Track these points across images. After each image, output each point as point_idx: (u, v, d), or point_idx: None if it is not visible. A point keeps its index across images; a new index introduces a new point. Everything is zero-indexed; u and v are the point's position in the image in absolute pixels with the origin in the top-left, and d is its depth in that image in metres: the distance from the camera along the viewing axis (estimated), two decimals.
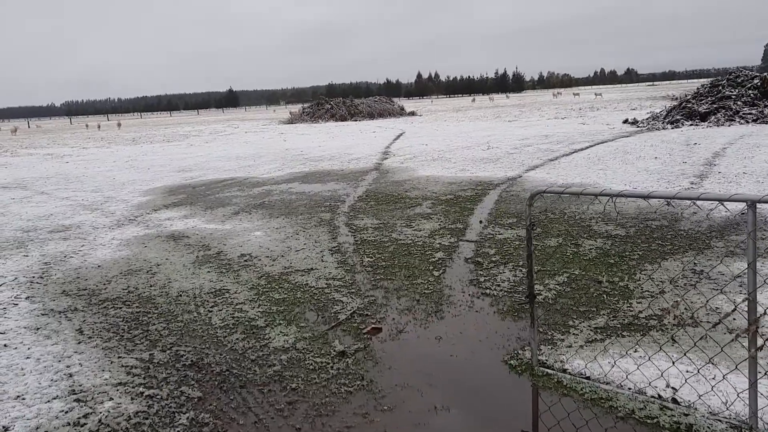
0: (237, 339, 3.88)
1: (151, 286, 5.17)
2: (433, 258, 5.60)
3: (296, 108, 52.32)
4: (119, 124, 53.88)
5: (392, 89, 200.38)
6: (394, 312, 4.25)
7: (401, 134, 23.12)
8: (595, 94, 63.81)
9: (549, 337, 3.63)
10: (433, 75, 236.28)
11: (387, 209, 8.18)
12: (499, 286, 4.68)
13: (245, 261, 5.85)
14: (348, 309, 4.34)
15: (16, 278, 5.55)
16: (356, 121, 38.15)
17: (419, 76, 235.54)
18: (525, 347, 3.52)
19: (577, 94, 74.36)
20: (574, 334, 3.66)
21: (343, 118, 39.43)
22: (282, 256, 5.98)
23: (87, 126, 58.01)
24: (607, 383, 2.98)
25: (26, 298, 4.92)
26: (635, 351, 3.32)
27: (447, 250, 5.87)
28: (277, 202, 9.30)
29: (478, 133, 20.78)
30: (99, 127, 53.14)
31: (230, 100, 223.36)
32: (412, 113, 43.45)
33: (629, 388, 2.92)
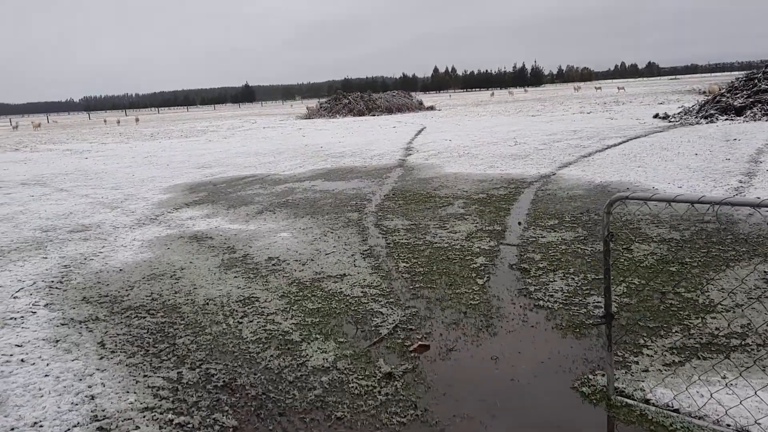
0: (271, 356, 3.55)
1: (176, 292, 4.86)
2: (474, 264, 5.23)
3: (313, 103, 52.02)
4: (137, 120, 53.97)
5: (409, 83, 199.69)
6: (441, 326, 3.90)
7: (422, 129, 22.71)
8: (618, 88, 62.80)
9: (620, 358, 3.25)
10: (450, 69, 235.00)
11: (417, 209, 7.82)
12: (552, 297, 4.31)
13: (273, 265, 5.52)
14: (389, 322, 3.99)
15: (34, 283, 5.27)
16: (374, 116, 37.77)
17: (436, 70, 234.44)
18: (595, 371, 3.14)
19: (599, 88, 73.22)
20: (648, 355, 3.28)
21: (361, 113, 39.06)
22: (312, 260, 5.64)
23: (105, 122, 58.24)
24: (700, 418, 2.60)
25: (45, 306, 4.63)
26: (723, 377, 2.94)
27: (488, 254, 5.50)
28: (301, 201, 8.97)
29: (503, 128, 20.32)
30: (118, 122, 53.29)
31: (246, 95, 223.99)
32: (431, 108, 42.97)
33: (728, 425, 2.54)
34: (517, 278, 4.79)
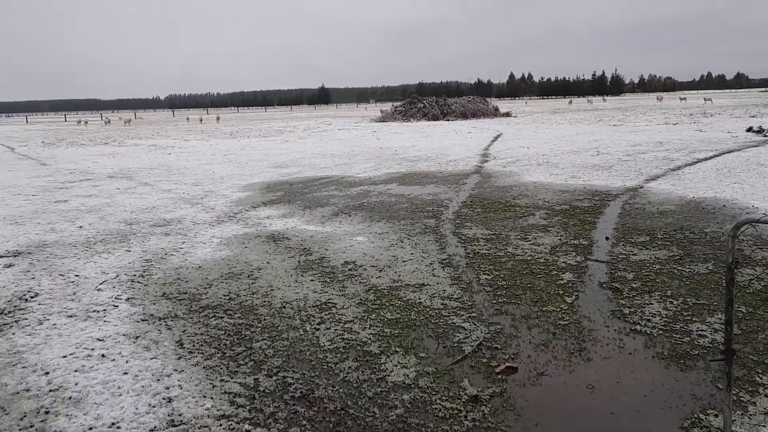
0: (350, 368, 3.41)
1: (253, 293, 4.81)
2: (561, 280, 4.94)
3: (387, 106, 52.21)
4: (218, 118, 55.68)
5: (483, 89, 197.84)
6: (528, 347, 3.65)
7: (499, 136, 22.28)
8: (705, 99, 60.00)
9: (734, 397, 2.92)
10: (526, 75, 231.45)
11: (496, 218, 7.56)
12: (649, 321, 3.98)
13: (350, 270, 5.40)
14: (472, 338, 3.77)
15: (117, 275, 5.35)
16: (449, 120, 37.46)
17: (512, 76, 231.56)
18: (707, 410, 2.83)
19: (684, 99, 70.20)
20: (767, 395, 2.94)
21: (435, 118, 38.84)
22: (389, 266, 5.49)
23: (188, 119, 60.40)
24: None
25: (126, 300, 4.67)
26: None
27: (575, 270, 5.19)
28: (376, 205, 8.86)
29: (583, 137, 19.65)
30: (201, 120, 55.14)
31: (322, 96, 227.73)
32: (507, 114, 42.25)
33: None
34: (608, 298, 4.48)
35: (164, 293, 4.85)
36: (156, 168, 14.97)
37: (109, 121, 57.55)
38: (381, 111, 47.38)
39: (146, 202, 9.54)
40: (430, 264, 5.54)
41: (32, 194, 10.66)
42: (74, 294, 4.82)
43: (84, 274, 5.42)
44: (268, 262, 5.74)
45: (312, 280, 5.13)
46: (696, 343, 3.61)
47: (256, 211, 8.64)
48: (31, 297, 4.73)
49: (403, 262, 5.65)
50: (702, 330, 3.78)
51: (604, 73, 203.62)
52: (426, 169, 12.93)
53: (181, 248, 6.40)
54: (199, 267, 5.63)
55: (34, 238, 6.96)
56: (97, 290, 4.89)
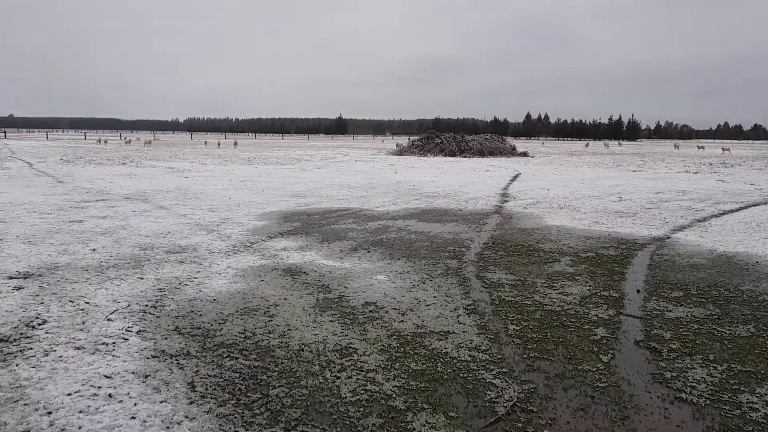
0: (374, 425, 3.15)
1: (269, 332, 4.58)
2: (594, 335, 4.67)
3: (403, 139, 52.43)
4: (235, 143, 56.05)
5: (499, 127, 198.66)
6: (566, 411, 3.38)
7: (517, 175, 22.11)
8: (723, 149, 59.76)
9: None
10: (542, 116, 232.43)
11: (520, 262, 7.31)
12: (694, 389, 3.70)
13: (371, 312, 5.16)
14: (505, 398, 3.51)
15: (129, 305, 5.14)
16: (466, 157, 37.43)
17: (528, 116, 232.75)
18: None
19: (702, 147, 69.95)
20: None
21: (452, 154, 38.84)
22: (411, 310, 5.25)
23: (206, 143, 60.82)
24: None
25: (137, 333, 4.46)
26: None
27: (608, 325, 4.92)
28: (396, 241, 8.64)
29: (603, 182, 19.42)
30: (219, 144, 55.51)
31: (339, 126, 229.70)
32: (524, 154, 42.19)
33: None
34: (647, 359, 4.20)
35: (177, 327, 4.63)
36: (172, 191, 14.88)
37: (130, 141, 57.97)
38: (397, 144, 47.56)
39: (161, 227, 9.39)
40: (455, 310, 5.29)
41: (47, 212, 10.56)
42: (83, 323, 4.62)
43: (95, 301, 5.22)
44: (285, 298, 5.52)
45: (331, 321, 4.89)
46: (748, 417, 3.33)
47: (272, 241, 8.45)
48: (39, 324, 4.53)
49: (427, 305, 5.41)
50: (752, 402, 3.50)
51: (620, 117, 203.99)
52: (445, 206, 12.73)
53: (196, 278, 6.19)
54: (214, 300, 5.41)
55: (45, 260, 6.79)
56: (108, 320, 4.68)
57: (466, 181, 19.14)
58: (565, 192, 15.94)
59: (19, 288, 5.52)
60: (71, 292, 5.49)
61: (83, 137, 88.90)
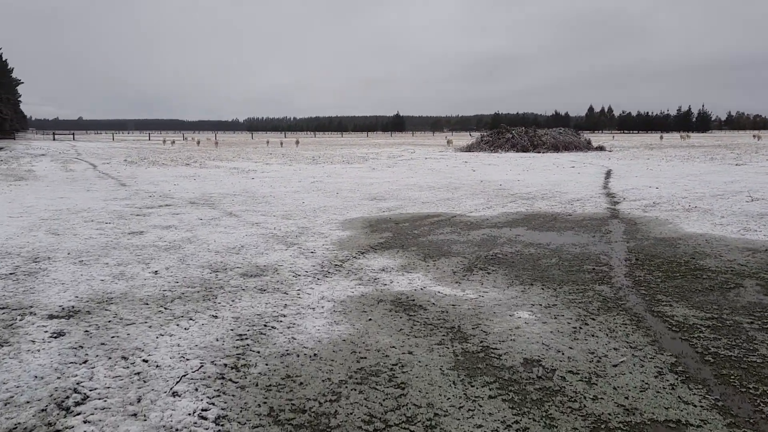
0: None
1: (407, 419, 3.05)
2: None
3: (462, 135, 50.53)
4: (297, 142, 55.34)
5: (561, 121, 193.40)
6: None
7: (609, 172, 20.04)
8: None
9: None
10: (606, 109, 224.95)
11: (693, 288, 5.58)
12: None
13: (540, 379, 3.57)
14: None
15: (202, 365, 3.71)
16: (540, 152, 35.28)
17: (591, 109, 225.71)
18: None
19: None
20: None
21: (525, 149, 36.75)
22: (597, 375, 3.63)
23: (268, 143, 60.32)
24: None
25: (215, 421, 3.00)
26: None
27: None
28: (514, 257, 7.02)
29: (714, 178, 17.18)
30: (281, 144, 54.90)
31: (396, 124, 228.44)
32: (601, 148, 39.63)
33: None
34: None
35: (271, 408, 3.15)
36: (239, 194, 13.65)
37: (200, 142, 57.86)
38: (471, 135, 45.63)
39: (233, 239, 8.04)
40: (660, 375, 3.63)
41: (106, 222, 9.40)
42: (138, 401, 3.20)
43: (156, 357, 3.81)
44: (410, 352, 3.99)
45: (491, 397, 3.32)
46: None
47: (365, 258, 6.96)
48: (76, 403, 3.14)
49: (614, 366, 3.77)
50: None
51: (690, 108, 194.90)
52: (549, 210, 10.99)
53: (284, 316, 4.74)
54: (315, 355, 3.92)
55: (97, 288, 5.48)
56: (173, 395, 3.25)
57: (556, 180, 17.26)
58: (679, 191, 13.90)
59: (59, 335, 4.18)
60: (125, 341, 4.11)
61: (147, 138, 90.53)
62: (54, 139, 72.54)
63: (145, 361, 3.75)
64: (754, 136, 78.32)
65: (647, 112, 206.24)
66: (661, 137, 77.03)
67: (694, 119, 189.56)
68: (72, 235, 8.13)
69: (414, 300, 5.24)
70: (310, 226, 9.27)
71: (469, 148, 38.93)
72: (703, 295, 5.39)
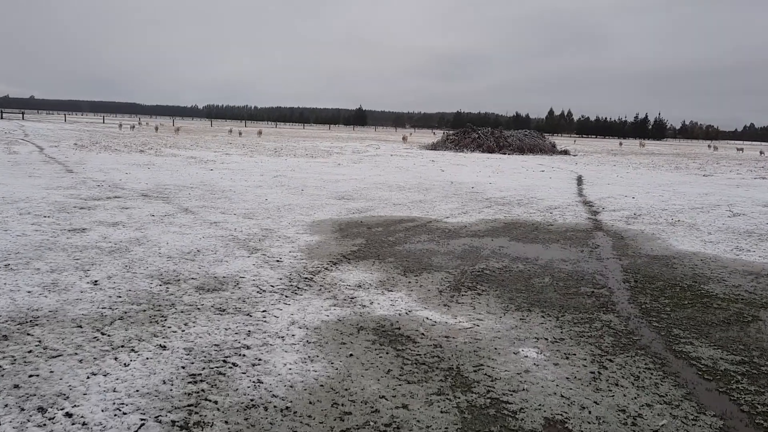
0: None
1: None
2: None
3: (425, 132, 50.04)
4: (260, 132, 53.87)
5: (521, 123, 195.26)
6: None
7: (580, 177, 19.69)
8: (760, 152, 56.78)
9: None
10: (566, 113, 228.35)
11: (707, 321, 5.01)
12: None
13: None
14: None
15: (143, 424, 2.88)
16: (505, 154, 35.01)
17: (551, 112, 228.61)
18: None
19: (741, 150, 66.75)
20: None
21: (490, 150, 36.42)
22: None
23: (230, 131, 58.47)
24: None
25: None
26: None
27: None
28: (503, 274, 6.36)
29: (686, 189, 16.95)
30: (240, 134, 53.35)
31: (359, 118, 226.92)
32: (565, 152, 39.64)
33: None
34: None
35: None
36: (197, 187, 12.67)
37: (158, 128, 55.62)
38: (435, 134, 45.15)
39: (188, 241, 7.16)
40: None
41: (44, 215, 8.37)
42: None
43: (83, 411, 2.97)
44: (405, 405, 3.24)
45: None
46: None
47: (339, 270, 6.19)
48: None
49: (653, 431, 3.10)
50: None
51: (647, 116, 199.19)
52: (528, 218, 10.39)
53: (248, 347, 3.93)
54: (287, 409, 3.14)
55: (21, 303, 4.57)
56: None
57: (529, 184, 16.76)
58: (655, 202, 13.52)
59: None
60: (46, 383, 3.25)
61: (102, 121, 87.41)
62: (1, 118, 69.13)
63: (68, 415, 2.91)
64: (709, 146, 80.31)
65: (605, 118, 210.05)
66: (621, 144, 78.17)
67: (650, 126, 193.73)
68: (2, 231, 7.11)
69: (400, 328, 4.50)
70: (275, 227, 8.43)
71: (435, 147, 38.41)
72: (722, 331, 4.81)
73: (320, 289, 5.44)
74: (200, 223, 8.43)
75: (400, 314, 4.84)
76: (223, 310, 4.69)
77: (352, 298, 5.23)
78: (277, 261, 6.44)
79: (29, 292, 4.85)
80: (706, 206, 12.90)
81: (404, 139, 50.09)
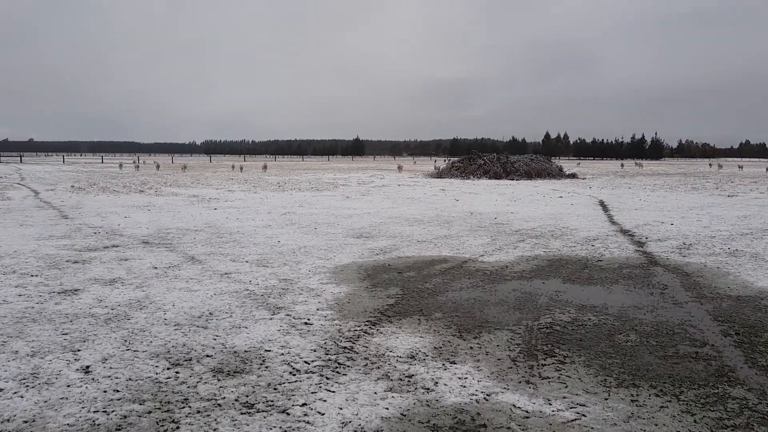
0: None
1: None
2: None
3: (425, 159, 49.30)
4: (265, 167, 52.91)
5: (518, 147, 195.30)
6: None
7: (602, 203, 18.68)
8: (767, 170, 56.11)
9: None
10: (562, 136, 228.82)
11: None
12: None
13: None
14: None
15: None
16: (513, 179, 34.09)
17: (547, 135, 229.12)
18: None
19: (741, 167, 66.12)
20: None
21: (497, 176, 35.52)
22: None
23: (233, 167, 57.47)
24: None
25: None
26: None
27: None
28: (577, 330, 5.29)
29: (720, 211, 15.93)
30: (241, 169, 52.46)
31: (356, 148, 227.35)
32: (573, 175, 38.75)
33: None
34: None
35: None
36: (202, 230, 11.63)
37: (159, 166, 54.60)
38: (435, 161, 44.31)
39: (198, 301, 6.09)
40: None
41: (32, 274, 7.32)
42: None
43: None
44: None
45: None
46: None
47: (381, 334, 5.12)
48: None
49: None
50: None
51: (644, 136, 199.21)
52: (572, 254, 9.33)
53: None
54: None
55: None
56: None
57: (552, 212, 15.73)
58: (697, 228, 12.48)
59: None
60: None
61: (101, 161, 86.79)
62: None
63: None
64: (710, 164, 79.58)
65: (602, 140, 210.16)
66: (622, 165, 77.46)
67: (647, 147, 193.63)
68: None
69: (486, 426, 3.42)
70: (294, 277, 7.37)
71: (440, 174, 37.52)
72: None
73: (366, 365, 4.37)
74: (209, 275, 7.37)
75: (478, 401, 3.76)
76: (251, 406, 3.60)
77: (410, 377, 4.15)
78: (306, 324, 5.37)
79: (1, 390, 3.76)
80: (754, 231, 11.87)
81: (399, 168, 49.42)
